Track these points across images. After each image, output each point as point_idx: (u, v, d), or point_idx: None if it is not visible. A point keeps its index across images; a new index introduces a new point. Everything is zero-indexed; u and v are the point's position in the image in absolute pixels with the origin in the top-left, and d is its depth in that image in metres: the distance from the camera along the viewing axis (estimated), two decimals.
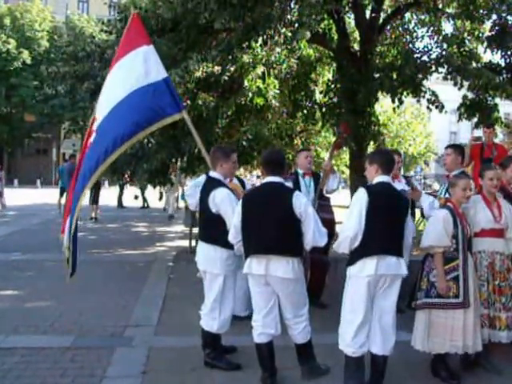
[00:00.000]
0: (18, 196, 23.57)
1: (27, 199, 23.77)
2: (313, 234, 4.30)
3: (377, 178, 4.35)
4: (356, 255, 4.18)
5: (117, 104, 5.61)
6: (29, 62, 38.29)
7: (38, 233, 12.77)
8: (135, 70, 5.72)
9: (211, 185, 4.91)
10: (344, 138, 7.52)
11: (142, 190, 21.11)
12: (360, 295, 4.17)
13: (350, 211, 4.25)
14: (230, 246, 4.65)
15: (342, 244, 4.21)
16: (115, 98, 5.65)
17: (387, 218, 4.17)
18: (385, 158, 4.46)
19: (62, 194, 17.32)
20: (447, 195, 5.16)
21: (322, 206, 6.41)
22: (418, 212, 6.82)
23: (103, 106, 5.74)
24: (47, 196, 23.97)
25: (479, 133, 9.34)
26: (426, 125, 29.66)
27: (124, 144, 5.47)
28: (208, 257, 4.89)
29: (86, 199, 13.74)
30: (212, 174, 5.05)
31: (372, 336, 4.24)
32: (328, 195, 6.91)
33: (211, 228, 4.91)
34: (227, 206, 4.74)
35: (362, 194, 4.22)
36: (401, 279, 4.26)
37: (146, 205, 21.73)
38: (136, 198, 21.49)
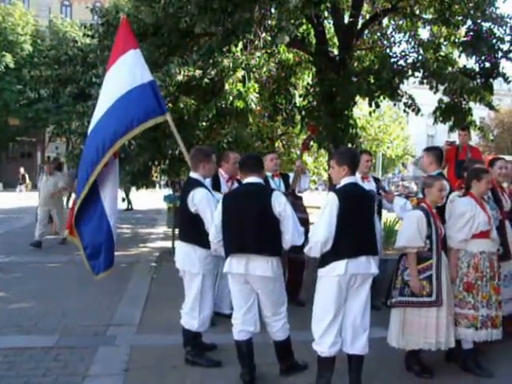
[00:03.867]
0: (3, 199, 23.52)
1: (12, 202, 23.66)
2: (292, 234, 4.38)
3: (345, 179, 4.32)
4: (327, 259, 4.19)
5: (105, 111, 5.76)
6: (12, 65, 37.86)
7: (22, 235, 12.76)
8: (122, 76, 5.86)
9: (190, 185, 5.02)
10: (311, 138, 7.72)
11: (126, 192, 21.18)
12: (330, 295, 4.19)
13: (321, 216, 4.24)
14: (208, 246, 4.74)
15: (313, 249, 4.20)
16: (104, 107, 5.81)
17: (357, 219, 4.20)
18: (354, 159, 4.45)
19: None
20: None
21: (296, 205, 6.54)
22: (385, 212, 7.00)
23: (95, 117, 5.91)
24: (32, 199, 23.82)
25: (455, 136, 9.54)
26: (404, 128, 29.93)
27: (109, 150, 5.59)
28: (187, 256, 4.99)
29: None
30: (192, 174, 5.15)
31: (343, 335, 4.28)
32: (300, 194, 7.09)
33: (190, 228, 5.01)
34: (205, 206, 4.84)
35: (332, 198, 4.20)
36: (372, 278, 4.28)
37: (129, 207, 21.77)
38: (123, 200, 21.53)
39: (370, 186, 6.47)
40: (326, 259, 4.20)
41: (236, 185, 6.51)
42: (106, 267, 5.73)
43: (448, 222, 4.90)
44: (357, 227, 4.18)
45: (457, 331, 4.75)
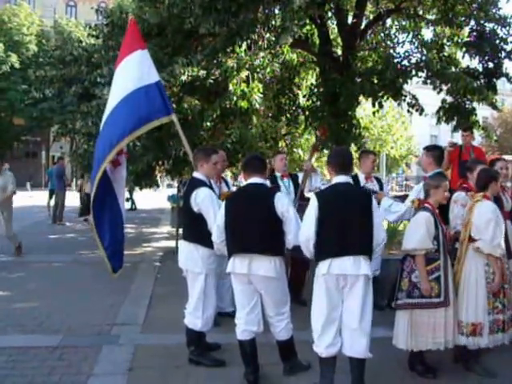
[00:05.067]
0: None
1: (17, 202, 23.71)
2: (294, 234, 4.39)
3: (334, 178, 4.37)
4: (317, 258, 4.23)
5: (112, 109, 5.82)
6: (17, 65, 38.03)
7: (27, 235, 12.78)
8: (129, 75, 5.91)
9: (193, 185, 5.04)
10: (322, 140, 7.73)
11: (130, 192, 21.22)
12: (320, 295, 4.21)
13: (304, 217, 4.30)
14: (211, 245, 4.76)
15: (303, 249, 4.31)
16: (112, 104, 5.88)
17: (341, 219, 4.14)
18: (338, 159, 4.43)
19: (51, 197, 17.34)
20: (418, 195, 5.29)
21: (302, 206, 6.55)
22: None
23: (104, 116, 6.00)
24: (37, 198, 23.98)
25: (458, 136, 9.55)
26: (408, 128, 29.93)
27: (114, 148, 5.65)
28: (190, 256, 5.01)
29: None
30: (195, 174, 5.18)
31: (343, 337, 4.27)
32: (308, 196, 7.10)
33: (193, 227, 5.03)
34: (208, 205, 4.86)
35: (312, 200, 4.27)
36: (365, 279, 4.16)
37: (133, 207, 21.80)
38: (127, 200, 21.61)
39: (371, 186, 6.51)
40: (316, 259, 4.25)
41: (224, 185, 6.54)
42: (120, 266, 5.93)
43: (485, 230, 4.73)
44: (342, 227, 4.14)
45: (489, 339, 4.71)
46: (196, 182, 5.06)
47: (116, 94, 5.92)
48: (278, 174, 6.90)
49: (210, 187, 5.11)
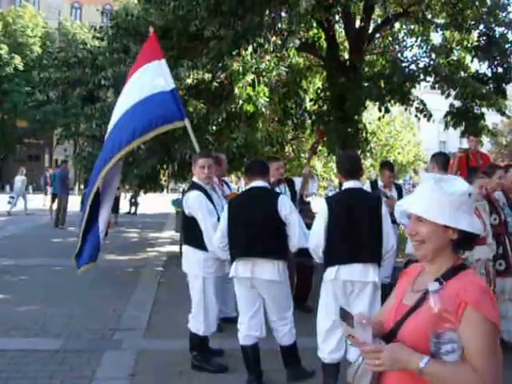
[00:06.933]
0: None
1: (19, 205, 23.73)
2: (298, 237, 4.36)
3: (344, 184, 4.32)
4: (325, 264, 4.20)
5: (123, 115, 5.93)
6: (21, 67, 38.18)
7: (29, 238, 12.75)
8: (144, 82, 6.06)
9: (188, 188, 5.13)
10: (319, 142, 7.69)
11: (135, 195, 21.14)
12: (327, 300, 4.19)
13: (314, 223, 4.26)
14: (207, 248, 4.75)
15: (312, 254, 4.28)
16: (125, 106, 5.99)
17: (351, 225, 4.08)
18: (346, 165, 4.36)
19: (53, 200, 17.28)
20: None
21: (303, 210, 6.46)
22: None
23: (115, 115, 6.09)
24: (39, 202, 24.00)
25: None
26: (416, 134, 29.92)
27: (123, 149, 5.74)
28: (188, 259, 5.02)
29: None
30: (193, 178, 5.22)
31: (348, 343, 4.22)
32: (308, 199, 7.04)
33: (189, 230, 5.04)
34: (197, 208, 4.85)
35: (322, 205, 4.22)
36: (373, 286, 4.11)
37: (132, 210, 21.63)
38: (132, 204, 21.58)
39: (390, 193, 6.50)
40: (325, 265, 4.21)
41: (226, 187, 6.49)
42: (89, 260, 5.93)
43: None
44: (351, 233, 4.08)
45: None
46: (190, 186, 5.13)
47: (128, 99, 6.03)
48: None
49: (205, 190, 5.03)
